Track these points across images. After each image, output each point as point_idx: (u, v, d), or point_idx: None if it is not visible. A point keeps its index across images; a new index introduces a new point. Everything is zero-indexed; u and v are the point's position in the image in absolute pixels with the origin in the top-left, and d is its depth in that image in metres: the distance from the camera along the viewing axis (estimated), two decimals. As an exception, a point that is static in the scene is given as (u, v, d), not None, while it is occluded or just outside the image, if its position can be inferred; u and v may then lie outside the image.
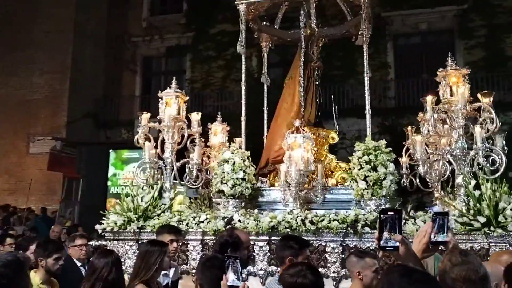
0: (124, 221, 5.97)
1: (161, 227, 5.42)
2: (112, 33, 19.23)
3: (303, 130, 5.92)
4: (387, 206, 5.53)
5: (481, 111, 5.38)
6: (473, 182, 5.13)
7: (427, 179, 6.45)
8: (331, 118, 8.11)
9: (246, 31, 19.03)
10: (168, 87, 6.73)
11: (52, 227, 9.16)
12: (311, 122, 6.98)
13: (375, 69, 17.64)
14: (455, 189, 5.48)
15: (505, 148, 5.33)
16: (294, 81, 7.29)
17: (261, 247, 5.53)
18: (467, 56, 17.26)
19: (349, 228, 5.25)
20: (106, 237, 6.13)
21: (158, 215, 6.00)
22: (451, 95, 5.38)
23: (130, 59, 19.69)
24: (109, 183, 17.85)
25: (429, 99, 5.64)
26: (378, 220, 2.24)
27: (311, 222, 5.36)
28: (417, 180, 6.56)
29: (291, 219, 5.43)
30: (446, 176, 5.57)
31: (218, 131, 7.41)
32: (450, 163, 5.51)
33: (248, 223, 5.52)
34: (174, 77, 6.98)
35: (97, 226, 6.23)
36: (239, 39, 7.29)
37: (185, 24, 19.33)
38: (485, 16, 17.07)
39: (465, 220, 5.01)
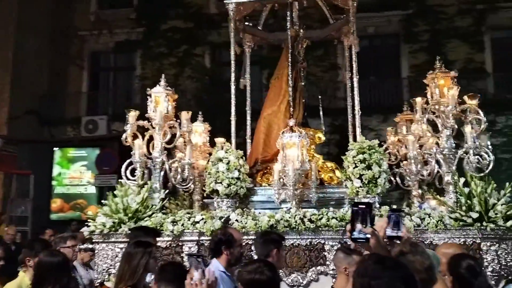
0: (114, 222, 5.78)
1: (136, 229, 5.30)
2: (58, 26, 18.44)
3: (298, 129, 5.98)
4: (389, 205, 5.72)
5: (467, 112, 5.66)
6: (462, 179, 5.40)
7: (407, 178, 6.72)
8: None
9: (200, 29, 18.93)
10: (158, 85, 6.55)
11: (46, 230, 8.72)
12: (299, 122, 7.06)
13: (325, 70, 18.10)
14: (444, 186, 5.74)
15: (490, 147, 5.63)
16: (281, 81, 7.34)
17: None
18: (411, 60, 17.99)
19: (347, 225, 5.35)
20: (94, 240, 5.91)
21: (149, 216, 5.85)
22: (441, 96, 5.61)
23: (77, 54, 18.98)
24: (53, 182, 17.22)
25: (419, 100, 5.88)
26: (350, 213, 2.37)
27: (310, 221, 5.44)
28: (397, 178, 6.81)
29: (289, 217, 5.48)
30: (434, 175, 5.80)
31: (199, 130, 7.31)
32: (437, 162, 5.76)
33: (246, 223, 5.52)
34: (163, 75, 6.77)
35: (84, 229, 6.01)
36: (232, 42, 7.10)
37: (135, 19, 18.87)
38: (428, 22, 17.86)
39: (457, 216, 5.26)
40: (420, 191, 6.82)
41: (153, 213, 5.86)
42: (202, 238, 5.64)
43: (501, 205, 5.14)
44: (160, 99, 6.34)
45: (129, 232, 5.66)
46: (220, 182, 5.92)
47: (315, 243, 5.43)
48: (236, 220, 5.60)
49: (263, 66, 18.55)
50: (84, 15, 18.95)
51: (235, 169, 5.94)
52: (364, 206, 2.39)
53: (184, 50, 18.64)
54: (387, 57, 17.92)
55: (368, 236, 2.32)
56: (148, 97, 6.55)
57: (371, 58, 18.07)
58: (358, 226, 2.33)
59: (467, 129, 5.48)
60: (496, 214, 5.11)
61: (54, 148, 17.32)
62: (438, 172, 5.93)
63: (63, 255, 4.04)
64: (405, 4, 17.86)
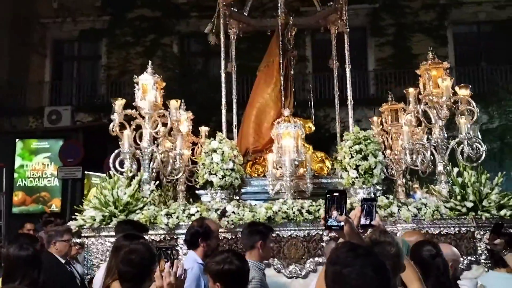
0: (104, 216, 5.56)
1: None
2: (19, 13, 17.69)
3: (293, 119, 5.90)
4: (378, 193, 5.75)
5: (459, 103, 5.73)
6: (455, 169, 5.47)
7: (393, 168, 6.79)
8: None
9: (168, 18, 18.53)
10: (145, 72, 6.32)
11: (25, 224, 8.29)
12: (292, 111, 6.99)
13: (294, 63, 18.09)
14: (436, 176, 5.81)
15: (480, 137, 5.72)
16: (272, 69, 7.23)
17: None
18: (378, 53, 18.23)
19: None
20: (83, 234, 5.67)
21: (141, 208, 5.65)
22: (434, 87, 5.66)
23: (39, 42, 18.27)
24: (15, 175, 16.60)
25: (412, 91, 5.91)
26: (324, 201, 2.35)
27: (308, 212, 5.39)
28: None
29: (287, 209, 5.41)
30: (428, 165, 5.85)
31: (183, 119, 7.11)
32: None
33: (243, 215, 5.41)
34: (150, 61, 6.54)
35: (72, 223, 5.76)
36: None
37: (101, 7, 18.32)
38: (394, 16, 18.11)
39: (451, 206, 5.33)
40: (404, 180, 6.89)
41: (144, 206, 5.66)
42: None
43: (495, 194, 5.24)
44: (148, 87, 6.10)
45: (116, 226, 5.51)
46: (215, 174, 5.79)
47: (313, 234, 5.38)
48: (233, 212, 5.47)
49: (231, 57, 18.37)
50: (46, 1, 18.22)
51: (230, 160, 5.82)
52: (338, 194, 2.36)
53: (152, 40, 18.25)
54: (354, 50, 18.05)
55: (342, 223, 2.30)
56: (136, 85, 6.30)
57: (338, 50, 18.14)
58: (334, 213, 2.30)
59: (462, 120, 5.55)
60: (489, 203, 5.20)
61: (16, 140, 16.65)
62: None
63: (34, 249, 3.83)
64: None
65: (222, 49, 7.20)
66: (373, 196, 5.52)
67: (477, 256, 5.18)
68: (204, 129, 7.27)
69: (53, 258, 5.15)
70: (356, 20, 18.42)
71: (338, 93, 7.98)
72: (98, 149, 16.60)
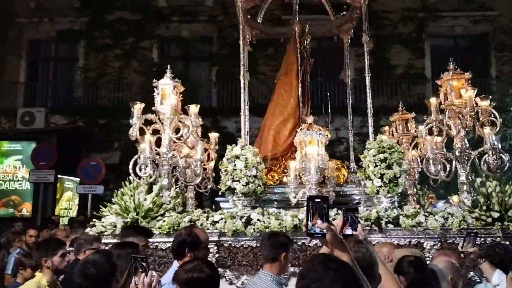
0: (126, 222, 5.34)
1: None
2: (-6, 12, 17.07)
3: (317, 126, 5.84)
4: (393, 202, 5.73)
5: (479, 114, 5.81)
6: (478, 179, 5.53)
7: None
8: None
9: (148, 21, 18.25)
10: (165, 76, 6.13)
11: (29, 230, 7.85)
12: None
13: (275, 70, 18.07)
14: (458, 186, 5.85)
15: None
16: (291, 77, 7.16)
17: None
18: (357, 63, 18.31)
19: (373, 226, 5.31)
20: (103, 241, 5.42)
21: (162, 215, 5.46)
22: (457, 98, 5.71)
23: (15, 42, 17.63)
24: (-15, 178, 15.96)
25: (433, 101, 5.95)
26: (306, 208, 2.29)
27: (334, 220, 5.30)
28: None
29: (313, 217, 5.30)
30: (447, 175, 5.89)
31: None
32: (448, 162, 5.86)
33: (269, 223, 5.29)
34: (169, 65, 6.35)
35: (90, 229, 5.51)
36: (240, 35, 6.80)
37: (79, 8, 17.88)
38: (373, 27, 18.33)
39: (476, 216, 5.37)
40: (414, 190, 6.92)
41: (165, 212, 5.47)
42: (222, 238, 5.33)
43: None
44: (167, 91, 5.91)
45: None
46: (238, 180, 5.64)
47: (339, 242, 5.30)
48: (258, 220, 5.34)
49: (213, 63, 18.29)
50: (23, 1, 17.66)
51: (253, 166, 5.69)
52: (320, 200, 2.29)
53: (131, 43, 17.92)
54: (335, 60, 18.22)
55: (325, 231, 2.25)
56: (155, 89, 6.11)
57: (319, 59, 18.31)
58: (319, 222, 2.24)
59: (486, 130, 5.62)
60: (515, 214, 5.27)
61: (-13, 141, 16.04)
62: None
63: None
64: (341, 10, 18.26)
65: (242, 55, 7.02)
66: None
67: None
68: (214, 135, 7.11)
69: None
70: (335, 30, 18.64)
71: (351, 101, 7.94)
72: (72, 152, 16.18)
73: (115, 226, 5.35)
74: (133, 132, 5.85)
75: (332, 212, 5.20)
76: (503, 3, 18.10)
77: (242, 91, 6.88)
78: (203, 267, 2.98)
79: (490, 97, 5.90)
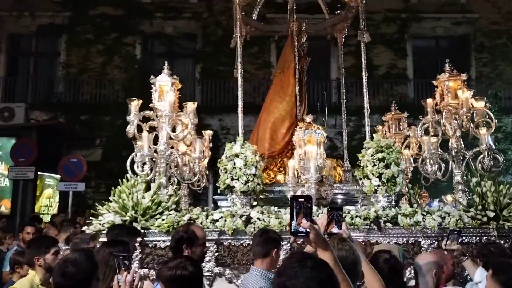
0: (124, 221, 5.27)
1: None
2: (-29, 5, 16.69)
3: (316, 125, 5.86)
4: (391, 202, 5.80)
5: (474, 115, 5.90)
6: (474, 179, 5.62)
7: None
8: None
9: (131, 17, 18.02)
10: (162, 72, 6.06)
11: (26, 227, 7.67)
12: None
13: (259, 68, 18.11)
14: (454, 185, 5.94)
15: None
16: (288, 75, 7.15)
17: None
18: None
19: (372, 224, 5.36)
20: (100, 240, 5.33)
21: (161, 213, 5.40)
22: (453, 98, 5.79)
23: (-7, 35, 17.31)
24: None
25: (429, 102, 6.02)
26: (290, 207, 2.31)
27: (334, 218, 5.33)
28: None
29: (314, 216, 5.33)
30: (442, 174, 5.98)
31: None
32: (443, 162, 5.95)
33: (269, 221, 5.29)
34: (166, 62, 6.28)
35: (86, 227, 5.42)
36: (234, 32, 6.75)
37: (61, 2, 17.59)
38: (356, 27, 18.49)
39: (472, 215, 5.46)
40: (406, 189, 7.00)
41: (163, 211, 5.42)
42: (223, 237, 5.31)
43: None
44: (165, 88, 5.85)
45: (142, 231, 5.26)
46: (237, 179, 5.63)
47: (338, 241, 5.33)
48: (258, 219, 5.34)
49: (196, 60, 18.20)
50: (3, -7, 17.31)
51: (252, 165, 5.68)
52: (304, 200, 2.30)
53: (114, 38, 17.71)
54: (318, 59, 18.31)
55: (308, 230, 2.26)
56: (152, 85, 6.04)
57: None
58: (304, 221, 2.24)
59: (482, 131, 5.71)
60: (509, 213, 5.37)
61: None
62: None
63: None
64: (335, 9, 18.35)
65: (239, 52, 6.99)
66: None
67: (497, 264, 5.31)
68: (208, 133, 7.07)
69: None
70: (329, 29, 18.73)
71: (344, 100, 8.01)
72: (52, 149, 15.92)
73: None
74: (131, 129, 5.76)
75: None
76: (483, 6, 18.46)
77: (239, 88, 6.81)
78: (186, 265, 2.96)
79: (485, 98, 6.00)
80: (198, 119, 17.55)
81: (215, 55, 17.81)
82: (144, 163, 5.77)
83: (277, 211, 5.49)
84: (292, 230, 2.28)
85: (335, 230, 2.61)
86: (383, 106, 17.19)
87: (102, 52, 17.56)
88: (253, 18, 8.20)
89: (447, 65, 6.28)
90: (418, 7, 18.25)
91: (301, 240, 2.60)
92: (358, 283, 2.69)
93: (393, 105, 7.45)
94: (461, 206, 5.65)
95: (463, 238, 5.40)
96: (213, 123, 17.18)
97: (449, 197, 6.35)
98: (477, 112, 5.85)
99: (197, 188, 6.89)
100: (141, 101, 6.06)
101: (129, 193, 5.41)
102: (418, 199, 6.72)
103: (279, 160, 6.66)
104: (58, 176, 15.57)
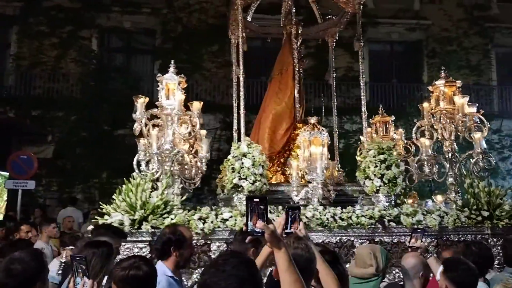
0: (134, 220, 5.23)
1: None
2: None
3: (321, 127, 6.04)
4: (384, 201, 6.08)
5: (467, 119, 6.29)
6: (467, 181, 6.00)
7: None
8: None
9: (88, 10, 17.55)
10: (169, 71, 6.03)
11: (22, 227, 7.22)
12: (302, 118, 7.11)
13: (219, 67, 18.15)
14: (448, 186, 6.30)
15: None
16: (286, 76, 7.30)
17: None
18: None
19: (377, 224, 5.61)
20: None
21: (168, 212, 5.40)
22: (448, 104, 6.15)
23: None
24: None
25: (426, 106, 6.36)
26: (245, 208, 2.40)
27: (341, 218, 5.55)
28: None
29: (321, 215, 5.52)
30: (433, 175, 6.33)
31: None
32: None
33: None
34: (172, 60, 6.24)
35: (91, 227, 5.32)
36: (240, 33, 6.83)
37: (12, -8, 16.90)
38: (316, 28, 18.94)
39: (467, 215, 5.84)
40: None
41: (171, 209, 5.42)
42: (232, 236, 5.37)
43: (508, 205, 5.85)
44: (172, 86, 5.83)
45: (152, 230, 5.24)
46: (245, 178, 5.71)
47: (345, 240, 5.55)
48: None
49: (155, 57, 18.01)
50: (-50, -19, 16.42)
51: (260, 165, 5.78)
52: (259, 201, 2.38)
53: (69, 31, 17.21)
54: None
55: (263, 229, 2.34)
56: (158, 83, 6.01)
57: (263, 59, 18.63)
58: (259, 222, 2.32)
59: (477, 135, 6.10)
60: (501, 213, 5.79)
61: None
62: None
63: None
64: (297, 10, 18.66)
65: (241, 56, 7.07)
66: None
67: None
68: (203, 133, 7.08)
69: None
70: (281, 30, 18.99)
71: (335, 102, 8.24)
72: (1, 145, 15.28)
73: (122, 224, 5.22)
74: (137, 127, 5.72)
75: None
76: (435, 14, 19.39)
77: (241, 88, 6.88)
78: (140, 264, 2.93)
79: (477, 104, 6.41)
80: (242, 119, 17.35)
81: (174, 52, 17.68)
82: (148, 162, 5.75)
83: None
84: (249, 230, 2.36)
85: (291, 229, 2.70)
86: (340, 107, 17.58)
87: (57, 45, 17.06)
88: (248, 19, 8.25)
89: (442, 72, 6.60)
90: (375, 12, 18.88)
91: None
92: None
93: (380, 108, 7.75)
94: (454, 206, 6.02)
95: (460, 236, 5.77)
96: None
97: (439, 197, 6.72)
98: (470, 117, 6.24)
99: (191, 188, 6.89)
100: (147, 99, 6.02)
101: (137, 192, 5.37)
102: (405, 199, 7.03)
103: (276, 160, 6.80)
104: (7, 173, 14.94)
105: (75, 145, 15.50)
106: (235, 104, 7.53)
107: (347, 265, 5.35)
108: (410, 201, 6.82)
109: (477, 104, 6.37)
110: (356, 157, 7.41)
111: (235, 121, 7.83)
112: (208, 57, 17.93)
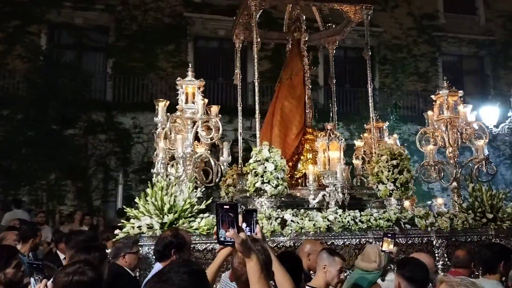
0: (164, 224, 5.28)
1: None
2: None
3: (336, 132, 6.32)
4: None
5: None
6: (470, 185, 6.52)
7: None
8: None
9: (33, 3, 16.92)
10: (188, 75, 6.11)
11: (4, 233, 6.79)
12: (310, 123, 7.37)
13: (175, 67, 18.06)
14: (451, 191, 6.80)
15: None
16: (296, 82, 7.55)
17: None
18: (259, 67, 19.12)
19: (394, 226, 5.97)
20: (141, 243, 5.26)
21: (194, 216, 5.49)
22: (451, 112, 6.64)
23: None
24: None
25: (430, 114, 6.81)
26: (216, 215, 2.35)
27: (361, 221, 5.87)
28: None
29: (342, 218, 5.81)
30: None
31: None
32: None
33: (304, 224, 5.65)
34: (190, 64, 6.30)
35: (120, 231, 5.31)
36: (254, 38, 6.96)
37: (-48, -18, 16.03)
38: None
39: (472, 217, 6.34)
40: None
41: (199, 212, 5.51)
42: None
43: (510, 208, 6.42)
44: (192, 90, 5.92)
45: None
46: (267, 182, 5.88)
47: (364, 242, 5.85)
48: (292, 221, 5.67)
49: (108, 54, 17.69)
50: None
51: (281, 169, 5.97)
52: (228, 207, 2.34)
53: (15, 26, 16.54)
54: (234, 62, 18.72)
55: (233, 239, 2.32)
56: (179, 88, 6.07)
57: (220, 59, 18.80)
58: (230, 230, 2.31)
59: (479, 142, 6.62)
60: (504, 215, 6.34)
61: None
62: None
63: None
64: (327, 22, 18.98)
65: (255, 58, 7.20)
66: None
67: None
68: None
69: (124, 271, 4.78)
70: (323, 40, 19.22)
71: (335, 108, 8.58)
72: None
73: (152, 227, 5.25)
74: (161, 132, 5.76)
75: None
76: (387, 21, 20.34)
77: (256, 92, 7.03)
78: (85, 270, 2.88)
79: (476, 112, 6.95)
80: (109, 116, 17.34)
81: (128, 50, 17.47)
82: (167, 165, 5.80)
83: (308, 213, 5.87)
84: (219, 239, 2.32)
85: (248, 232, 2.57)
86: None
87: (2, 40, 16.33)
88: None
89: (445, 82, 7.06)
90: (334, 19, 19.48)
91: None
92: None
93: (375, 115, 8.14)
94: (457, 208, 6.53)
95: (467, 237, 6.26)
96: (125, 121, 16.82)
97: (439, 200, 7.21)
98: (471, 125, 6.77)
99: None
100: (168, 102, 6.05)
101: (163, 195, 5.40)
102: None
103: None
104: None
105: (20, 145, 14.94)
106: (239, 108, 7.69)
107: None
108: (407, 203, 7.23)
109: (476, 113, 6.91)
110: (353, 161, 7.78)
111: (239, 124, 7.98)
112: (164, 56, 17.83)
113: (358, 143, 7.93)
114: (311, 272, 4.61)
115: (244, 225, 2.51)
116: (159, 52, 17.77)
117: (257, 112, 6.79)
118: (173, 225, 5.32)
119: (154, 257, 4.69)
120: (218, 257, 3.14)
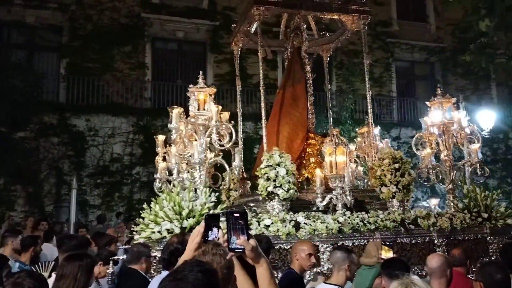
0: (184, 228, 5.34)
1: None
2: None
3: (341, 137, 6.59)
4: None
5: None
6: (465, 186, 6.97)
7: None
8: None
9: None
10: (199, 82, 6.19)
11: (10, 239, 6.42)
12: (313, 128, 7.58)
13: (133, 68, 17.90)
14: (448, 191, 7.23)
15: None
16: (299, 89, 7.77)
17: (326, 248, 5.96)
18: (216, 69, 19.31)
19: (399, 226, 6.31)
20: (158, 248, 5.29)
21: (211, 220, 5.57)
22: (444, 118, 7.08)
23: None
24: None
25: (426, 119, 7.22)
26: (226, 223, 2.42)
27: (369, 222, 6.16)
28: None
29: (351, 220, 6.09)
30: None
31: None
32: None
33: (317, 226, 5.87)
34: (201, 71, 6.40)
35: (138, 236, 5.32)
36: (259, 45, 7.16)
37: None
38: (232, 35, 19.50)
39: (469, 216, 6.78)
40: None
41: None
42: (274, 241, 5.69)
43: (503, 207, 6.92)
44: (204, 97, 6.03)
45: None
46: (279, 186, 6.06)
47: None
48: (305, 224, 5.89)
49: (62, 54, 17.29)
50: None
51: (292, 173, 6.17)
52: (238, 215, 2.42)
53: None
54: (195, 63, 18.79)
55: (243, 246, 2.40)
56: (191, 95, 6.14)
57: (179, 61, 18.79)
58: (241, 238, 2.40)
59: (474, 146, 7.08)
60: (497, 214, 6.83)
61: None
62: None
63: None
64: (213, 16, 19.10)
65: (260, 64, 7.39)
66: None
67: (489, 257, 6.69)
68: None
69: (142, 276, 4.85)
70: (197, 34, 19.29)
71: (331, 113, 8.86)
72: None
73: (172, 232, 5.30)
74: (176, 138, 5.83)
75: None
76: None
77: (262, 97, 7.17)
78: (26, 279, 2.95)
79: (469, 117, 7.43)
80: (62, 118, 17.05)
81: (83, 51, 17.15)
82: (179, 171, 5.87)
83: (319, 216, 6.10)
84: (230, 246, 2.40)
85: (212, 236, 2.60)
86: (256, 113, 18.17)
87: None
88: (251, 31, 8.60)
89: (439, 90, 7.49)
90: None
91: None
92: None
93: (366, 119, 8.48)
94: (452, 208, 6.97)
95: (464, 236, 6.69)
96: (79, 123, 16.50)
97: (433, 200, 7.62)
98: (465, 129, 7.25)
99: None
100: (182, 109, 6.12)
101: (180, 200, 5.47)
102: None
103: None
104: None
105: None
106: (239, 113, 7.83)
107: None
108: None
109: (469, 118, 7.40)
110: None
111: (240, 128, 8.11)
112: (120, 57, 17.62)
113: (351, 147, 8.22)
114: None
115: (216, 230, 2.52)
116: (116, 53, 17.56)
117: (263, 117, 6.98)
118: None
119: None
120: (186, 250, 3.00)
